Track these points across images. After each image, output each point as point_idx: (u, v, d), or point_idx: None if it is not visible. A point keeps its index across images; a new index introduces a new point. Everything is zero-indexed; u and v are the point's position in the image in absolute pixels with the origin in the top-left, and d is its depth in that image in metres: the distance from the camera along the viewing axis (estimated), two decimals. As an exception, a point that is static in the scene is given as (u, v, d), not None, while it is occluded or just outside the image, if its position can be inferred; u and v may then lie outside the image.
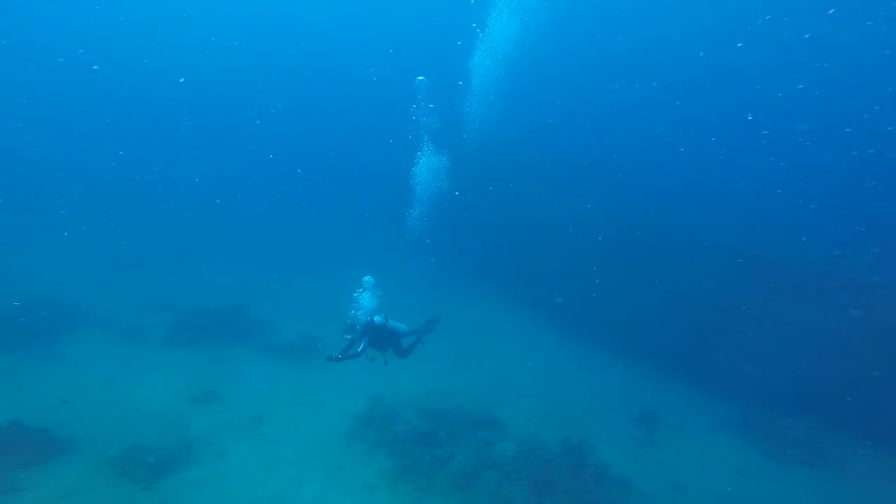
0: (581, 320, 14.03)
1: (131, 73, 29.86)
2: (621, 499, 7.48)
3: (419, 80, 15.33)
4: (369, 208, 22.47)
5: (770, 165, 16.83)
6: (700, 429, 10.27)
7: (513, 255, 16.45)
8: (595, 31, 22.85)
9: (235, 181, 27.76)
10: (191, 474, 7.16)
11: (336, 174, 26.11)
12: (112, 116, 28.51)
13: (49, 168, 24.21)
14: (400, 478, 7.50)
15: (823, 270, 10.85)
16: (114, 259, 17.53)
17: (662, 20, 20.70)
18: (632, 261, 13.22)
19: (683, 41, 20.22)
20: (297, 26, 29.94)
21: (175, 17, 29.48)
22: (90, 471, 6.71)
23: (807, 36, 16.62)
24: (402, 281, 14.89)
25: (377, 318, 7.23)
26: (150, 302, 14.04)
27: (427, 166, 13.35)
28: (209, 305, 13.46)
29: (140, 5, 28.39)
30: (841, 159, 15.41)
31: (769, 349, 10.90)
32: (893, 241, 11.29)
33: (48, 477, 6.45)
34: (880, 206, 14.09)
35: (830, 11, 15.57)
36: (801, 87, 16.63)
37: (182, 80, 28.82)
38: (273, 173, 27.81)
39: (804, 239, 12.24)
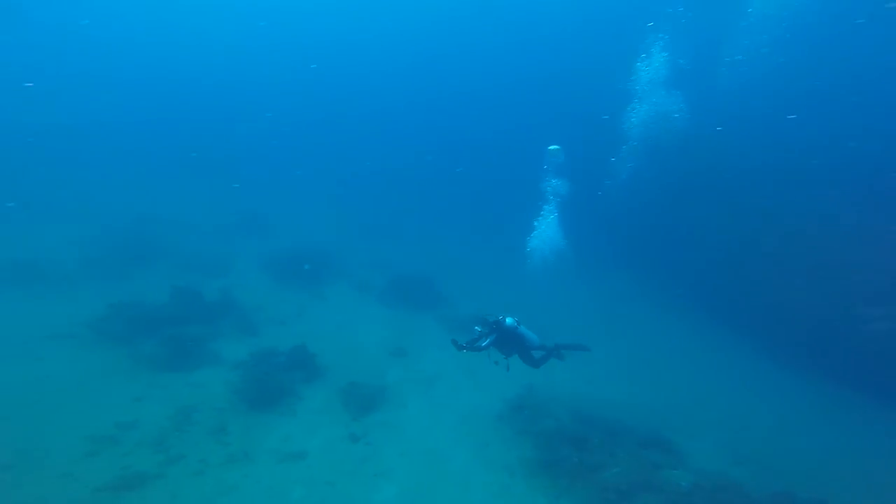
0: (827, 355, 10.92)
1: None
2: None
3: None
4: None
5: None
6: None
7: (719, 263, 13.38)
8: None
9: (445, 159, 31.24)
10: (382, 416, 9.02)
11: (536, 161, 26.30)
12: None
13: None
14: (540, 471, 7.63)
15: None
16: (361, 222, 22.35)
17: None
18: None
19: None
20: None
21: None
22: (329, 396, 9.19)
23: None
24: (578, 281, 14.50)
25: (508, 320, 7.07)
26: (376, 261, 17.61)
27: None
28: (410, 272, 16.14)
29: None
30: None
31: None
32: None
33: (312, 394, 9.09)
34: None
35: None
36: None
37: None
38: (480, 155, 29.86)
39: None
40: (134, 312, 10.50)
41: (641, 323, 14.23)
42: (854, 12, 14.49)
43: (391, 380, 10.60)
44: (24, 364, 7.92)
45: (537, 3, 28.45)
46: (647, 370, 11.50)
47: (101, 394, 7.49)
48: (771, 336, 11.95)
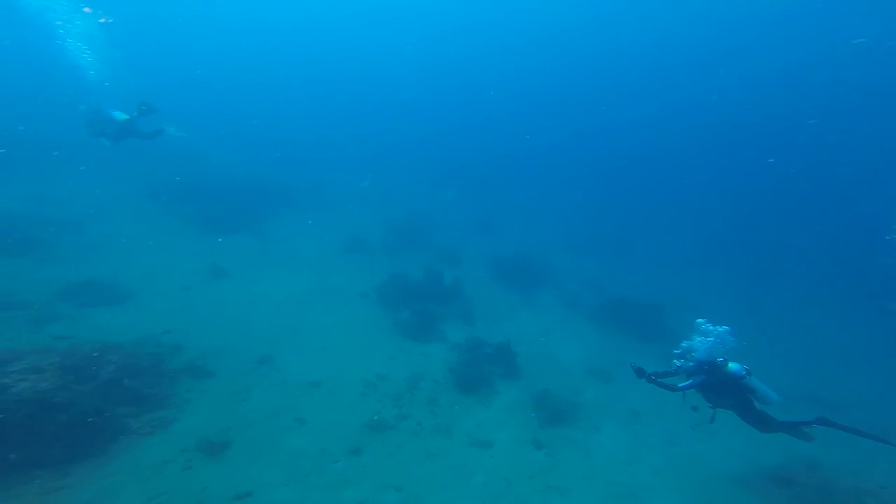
0: None
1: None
2: None
3: None
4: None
5: None
6: None
7: None
8: None
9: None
10: (570, 432, 8.84)
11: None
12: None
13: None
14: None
15: None
16: (579, 237, 21.86)
17: None
18: None
19: None
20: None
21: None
22: (521, 397, 9.64)
23: None
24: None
25: (733, 366, 5.44)
26: (589, 279, 17.00)
27: None
28: (631, 296, 14.74)
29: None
30: None
31: None
32: None
33: (507, 390, 9.84)
34: None
35: None
36: None
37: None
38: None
39: None
40: (402, 284, 14.03)
41: None
42: None
43: (587, 399, 10.22)
44: (340, 312, 11.98)
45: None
46: None
47: (374, 345, 10.61)
48: None
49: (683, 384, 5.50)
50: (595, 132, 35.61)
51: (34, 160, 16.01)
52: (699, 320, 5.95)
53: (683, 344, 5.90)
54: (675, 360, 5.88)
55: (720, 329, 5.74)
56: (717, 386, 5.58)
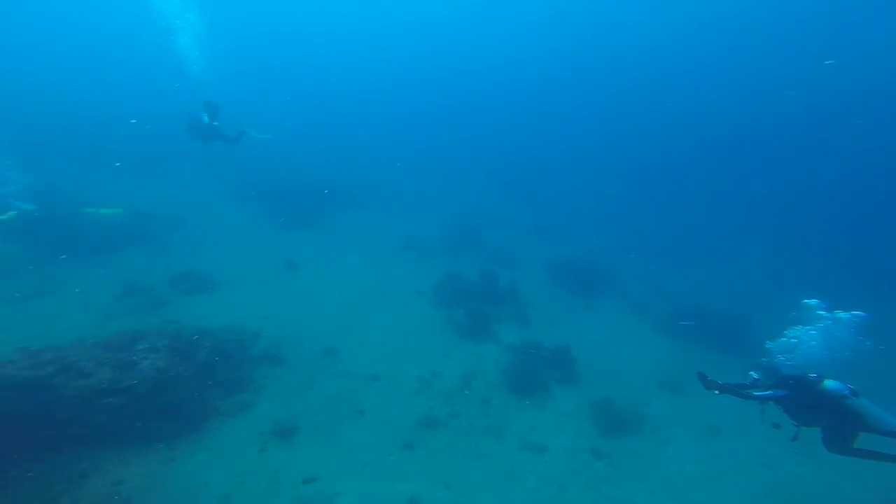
0: None
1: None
2: None
3: None
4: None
5: None
6: None
7: None
8: None
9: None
10: (634, 444, 8.41)
11: None
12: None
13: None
14: None
15: None
16: (644, 240, 20.14)
17: None
18: None
19: None
20: None
21: None
22: (579, 405, 9.31)
23: None
24: None
25: (830, 384, 4.44)
26: (660, 285, 15.70)
27: None
28: (711, 306, 13.43)
29: None
30: None
31: None
32: None
33: (564, 395, 9.57)
34: None
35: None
36: None
37: None
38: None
39: None
40: (457, 284, 14.13)
41: None
42: None
43: (654, 411, 9.62)
44: (398, 309, 12.30)
45: None
46: None
47: (429, 343, 10.82)
48: None
49: (761, 393, 4.61)
50: (656, 130, 32.54)
51: (155, 161, 18.50)
52: (807, 301, 4.80)
53: (789, 336, 4.86)
54: (750, 371, 4.90)
55: (842, 315, 4.58)
56: (806, 404, 4.61)
